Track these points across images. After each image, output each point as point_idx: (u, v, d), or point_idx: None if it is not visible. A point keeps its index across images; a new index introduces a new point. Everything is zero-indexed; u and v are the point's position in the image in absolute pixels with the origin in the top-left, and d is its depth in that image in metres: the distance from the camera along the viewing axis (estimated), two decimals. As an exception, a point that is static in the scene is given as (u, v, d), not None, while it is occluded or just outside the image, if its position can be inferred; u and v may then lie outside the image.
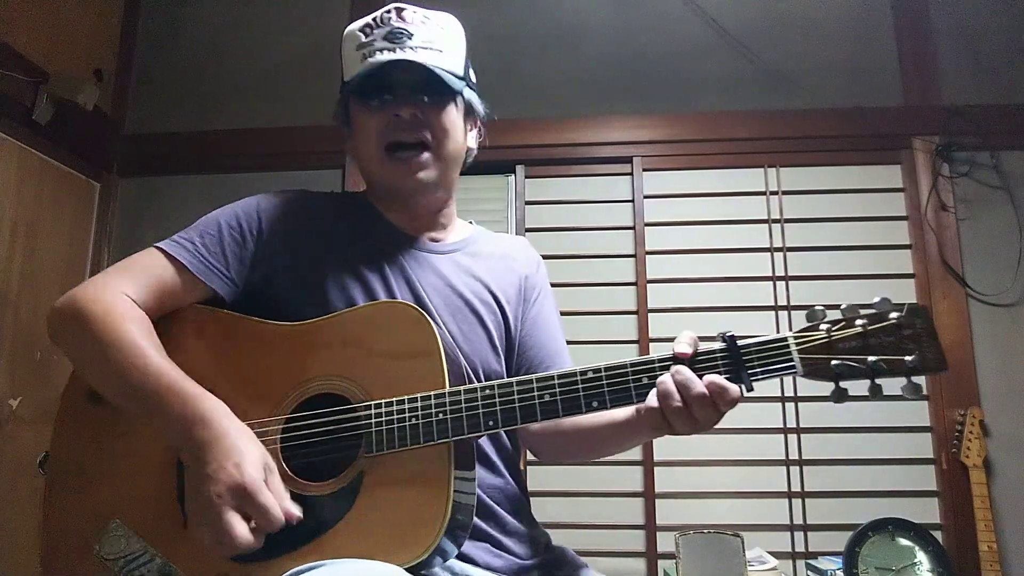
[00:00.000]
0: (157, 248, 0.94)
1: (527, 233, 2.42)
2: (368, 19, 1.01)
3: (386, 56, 0.96)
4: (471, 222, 1.17)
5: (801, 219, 2.38)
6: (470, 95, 1.05)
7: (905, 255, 2.33)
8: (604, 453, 1.08)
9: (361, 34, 1.00)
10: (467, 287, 1.03)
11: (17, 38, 2.11)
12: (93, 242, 2.50)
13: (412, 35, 0.98)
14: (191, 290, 0.93)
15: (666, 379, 0.79)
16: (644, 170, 2.46)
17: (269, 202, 1.01)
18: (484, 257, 1.09)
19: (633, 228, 2.42)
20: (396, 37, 0.98)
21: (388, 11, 1.00)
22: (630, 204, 2.44)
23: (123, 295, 0.89)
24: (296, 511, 0.78)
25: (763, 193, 2.41)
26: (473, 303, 1.02)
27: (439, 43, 1.00)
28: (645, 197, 2.44)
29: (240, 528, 0.74)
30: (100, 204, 2.53)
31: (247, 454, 0.76)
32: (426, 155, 0.99)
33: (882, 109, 2.41)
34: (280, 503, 0.76)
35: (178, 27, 2.73)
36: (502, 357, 1.04)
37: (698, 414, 0.78)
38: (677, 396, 0.78)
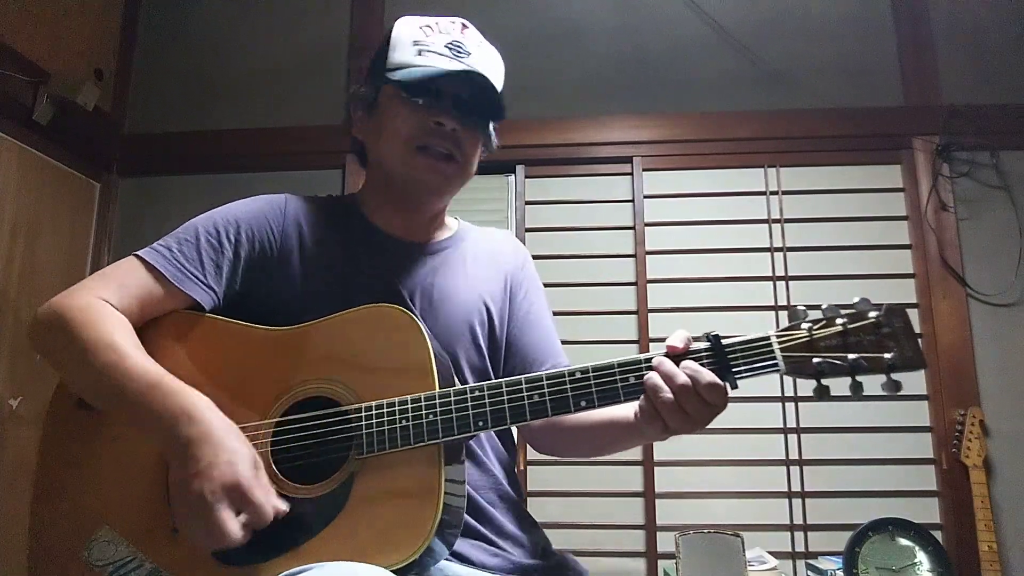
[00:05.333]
0: (135, 256, 0.93)
1: (527, 233, 2.41)
2: (428, 20, 1.02)
3: (452, 65, 0.97)
4: (456, 219, 1.16)
5: (801, 219, 2.38)
6: (491, 129, 1.07)
7: (905, 255, 2.33)
8: (606, 452, 1.08)
9: (420, 31, 1.00)
10: (451, 287, 1.03)
11: (17, 38, 2.11)
12: (93, 242, 2.50)
13: (470, 54, 0.99)
14: (169, 297, 0.92)
15: (651, 374, 0.81)
16: (644, 170, 2.46)
17: (248, 207, 1.01)
18: (469, 255, 1.09)
19: (633, 228, 2.42)
20: (457, 50, 0.98)
21: (453, 22, 1.02)
22: (630, 204, 2.44)
23: (102, 300, 0.88)
24: (283, 507, 0.79)
25: (763, 193, 2.41)
26: (456, 303, 1.02)
27: (491, 70, 1.01)
28: (645, 197, 2.44)
29: (232, 525, 0.74)
30: (100, 204, 2.53)
31: (239, 451, 0.77)
32: (453, 165, 1.00)
33: (882, 109, 2.42)
34: (268, 500, 0.77)
35: (178, 27, 2.73)
36: (486, 357, 1.03)
37: (687, 406, 0.79)
38: (665, 387, 0.79)
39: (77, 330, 0.84)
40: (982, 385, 2.19)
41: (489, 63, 1.01)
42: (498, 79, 1.01)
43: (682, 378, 0.79)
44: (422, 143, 0.98)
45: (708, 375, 0.79)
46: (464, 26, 1.03)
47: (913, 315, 2.26)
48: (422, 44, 0.98)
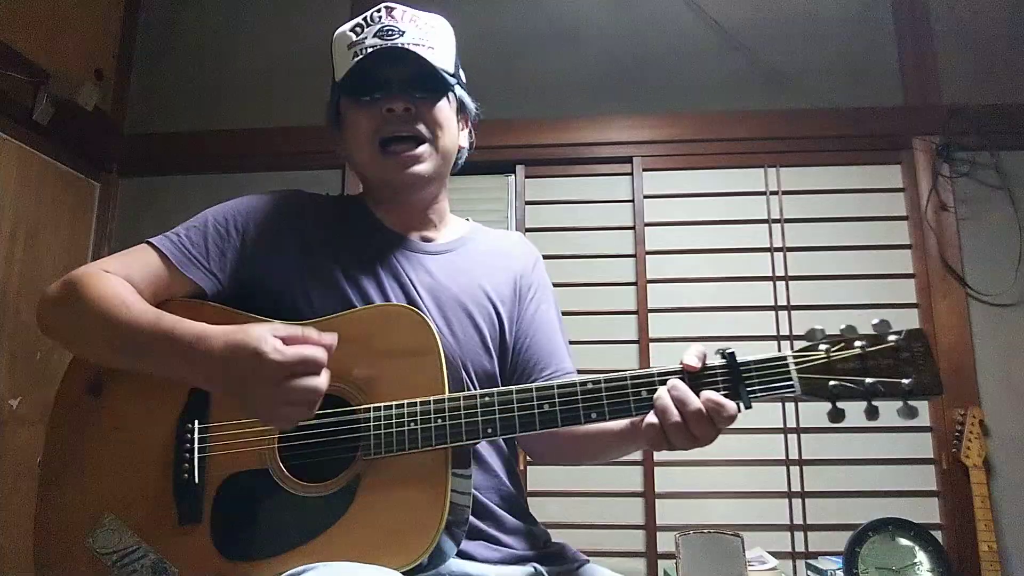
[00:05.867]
0: (146, 242, 0.96)
1: (527, 233, 2.41)
2: (358, 19, 1.02)
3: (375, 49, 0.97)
4: (467, 219, 1.17)
5: (801, 219, 2.38)
6: (461, 93, 1.06)
7: (905, 255, 2.33)
8: (599, 460, 1.08)
9: (352, 33, 1.01)
10: (460, 287, 1.02)
11: (17, 38, 2.11)
12: (93, 242, 2.50)
13: (403, 32, 0.99)
14: (174, 281, 0.94)
15: (663, 395, 0.79)
16: (644, 170, 2.46)
17: (260, 200, 1.02)
18: (479, 256, 1.08)
19: (633, 228, 2.42)
20: (387, 35, 0.98)
21: (378, 10, 1.01)
22: (630, 204, 2.44)
23: (105, 271, 0.91)
24: (330, 339, 0.78)
25: (763, 193, 2.41)
26: (465, 303, 1.01)
27: (430, 41, 1.00)
28: (645, 197, 2.44)
29: (294, 405, 0.76)
30: (100, 204, 2.54)
31: (246, 341, 0.76)
32: (422, 147, 0.99)
33: (882, 109, 2.41)
34: (302, 352, 0.76)
35: (178, 27, 2.73)
36: (495, 358, 1.03)
37: (696, 430, 0.78)
38: (675, 412, 0.78)
39: (82, 293, 0.87)
40: (982, 385, 2.18)
41: (424, 34, 1.00)
42: (438, 44, 1.00)
43: (696, 405, 0.78)
44: (383, 135, 0.98)
45: (731, 408, 0.78)
46: (389, 8, 1.01)
47: (913, 315, 2.27)
48: (356, 46, 0.99)
